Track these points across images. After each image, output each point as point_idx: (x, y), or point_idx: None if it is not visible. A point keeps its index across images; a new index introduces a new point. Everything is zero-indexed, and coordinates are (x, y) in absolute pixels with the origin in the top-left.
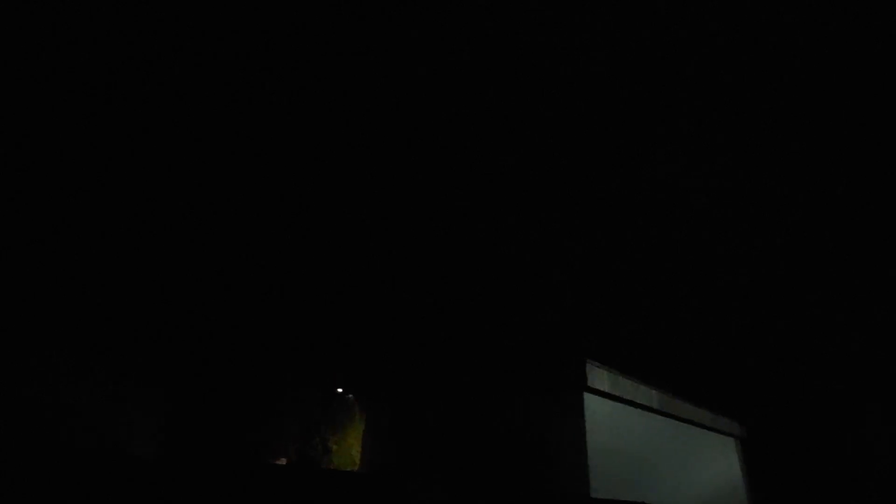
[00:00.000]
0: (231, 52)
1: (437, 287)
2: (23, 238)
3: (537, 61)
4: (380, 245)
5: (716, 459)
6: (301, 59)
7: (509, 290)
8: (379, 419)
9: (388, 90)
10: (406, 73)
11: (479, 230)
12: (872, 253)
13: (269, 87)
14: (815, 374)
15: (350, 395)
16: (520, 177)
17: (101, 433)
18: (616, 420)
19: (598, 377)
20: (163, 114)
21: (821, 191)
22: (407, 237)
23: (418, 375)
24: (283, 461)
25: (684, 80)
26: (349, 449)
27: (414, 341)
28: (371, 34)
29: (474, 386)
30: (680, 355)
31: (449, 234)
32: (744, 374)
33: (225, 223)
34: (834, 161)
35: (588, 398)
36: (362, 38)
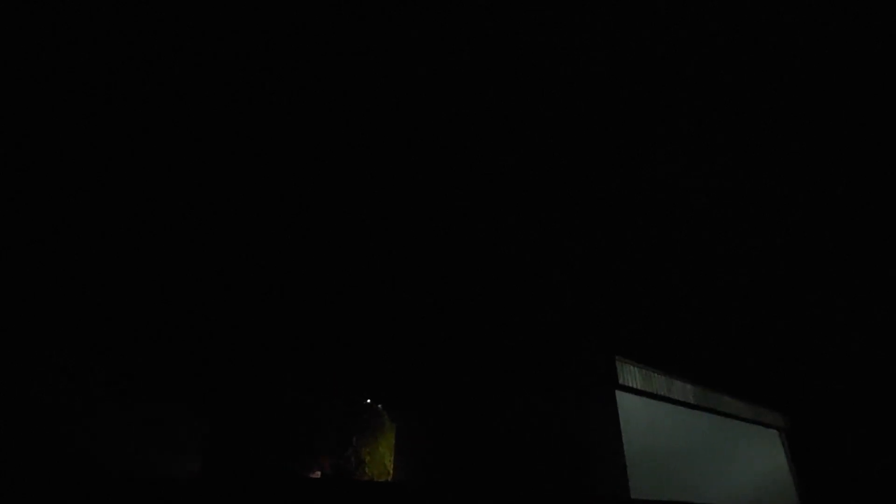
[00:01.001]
0: (231, 52)
1: (461, 292)
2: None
3: (538, 61)
4: (401, 254)
5: (759, 453)
6: (301, 60)
7: (532, 292)
8: (410, 427)
9: (388, 90)
10: (406, 73)
11: (495, 232)
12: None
13: (269, 87)
14: (865, 358)
15: (378, 405)
16: (524, 177)
17: (144, 457)
18: (652, 417)
19: (630, 374)
20: (164, 114)
21: (821, 190)
22: (425, 243)
23: (446, 381)
24: (317, 474)
25: (684, 81)
26: (382, 458)
27: (439, 347)
28: (371, 34)
29: (503, 390)
30: (713, 347)
31: (466, 238)
32: (784, 363)
33: (252, 238)
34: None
35: (621, 396)
36: (362, 39)
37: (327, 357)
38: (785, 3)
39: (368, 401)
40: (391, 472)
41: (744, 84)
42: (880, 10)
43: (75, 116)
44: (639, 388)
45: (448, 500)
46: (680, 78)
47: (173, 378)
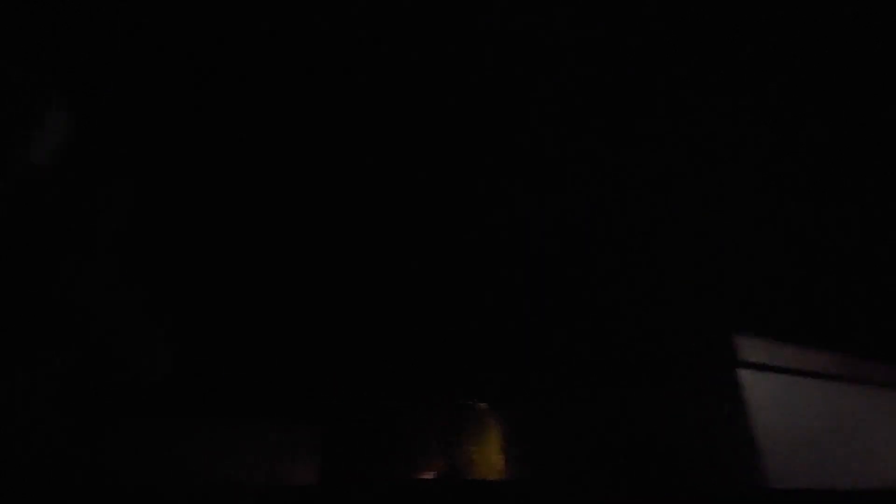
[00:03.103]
0: (228, 52)
1: (558, 289)
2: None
3: (531, 62)
4: (501, 253)
5: None
6: (297, 60)
7: (633, 275)
8: (516, 425)
9: (387, 90)
10: (403, 73)
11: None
12: None
13: (267, 87)
14: None
15: (483, 404)
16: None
17: (270, 469)
18: (785, 395)
19: (752, 349)
20: (170, 115)
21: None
22: (532, 238)
23: (551, 377)
24: (431, 475)
25: (682, 79)
26: (490, 457)
27: (542, 343)
28: (366, 34)
29: (612, 382)
30: (853, 307)
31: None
32: None
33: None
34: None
35: (745, 375)
36: (357, 38)
37: (430, 360)
38: (783, 4)
39: (473, 400)
40: (501, 469)
41: (743, 84)
42: (879, 11)
43: (80, 117)
44: (765, 363)
45: (564, 496)
46: (677, 76)
47: (288, 393)
